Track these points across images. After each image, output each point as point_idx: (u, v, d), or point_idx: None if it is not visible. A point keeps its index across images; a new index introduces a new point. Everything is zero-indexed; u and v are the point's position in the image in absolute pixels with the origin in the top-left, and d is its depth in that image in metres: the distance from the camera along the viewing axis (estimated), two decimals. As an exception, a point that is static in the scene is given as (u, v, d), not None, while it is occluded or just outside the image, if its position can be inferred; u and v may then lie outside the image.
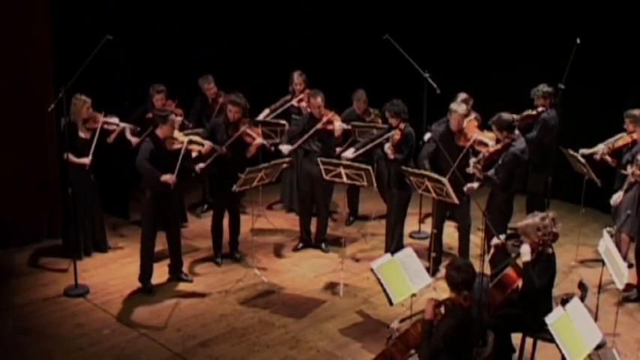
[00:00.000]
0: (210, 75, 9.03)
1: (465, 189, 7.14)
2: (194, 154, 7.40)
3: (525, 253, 5.66)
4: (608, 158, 7.86)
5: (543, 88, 8.37)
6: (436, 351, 5.01)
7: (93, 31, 8.01)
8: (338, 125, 8.05)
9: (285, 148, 8.08)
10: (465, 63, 10.39)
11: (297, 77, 9.11)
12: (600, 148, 7.90)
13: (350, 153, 7.91)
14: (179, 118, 7.91)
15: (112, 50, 7.86)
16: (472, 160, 7.16)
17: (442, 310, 5.21)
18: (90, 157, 7.56)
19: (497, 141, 7.26)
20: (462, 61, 10.41)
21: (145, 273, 7.32)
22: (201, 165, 7.52)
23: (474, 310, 5.08)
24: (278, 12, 10.80)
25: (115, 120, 7.88)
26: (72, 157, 7.37)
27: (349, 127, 8.32)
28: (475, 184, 7.25)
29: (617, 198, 7.56)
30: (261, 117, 8.91)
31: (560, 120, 8.33)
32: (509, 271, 5.76)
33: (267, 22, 10.74)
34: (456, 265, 5.12)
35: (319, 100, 8.02)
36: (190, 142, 7.21)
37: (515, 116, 8.23)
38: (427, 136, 8.30)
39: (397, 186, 7.83)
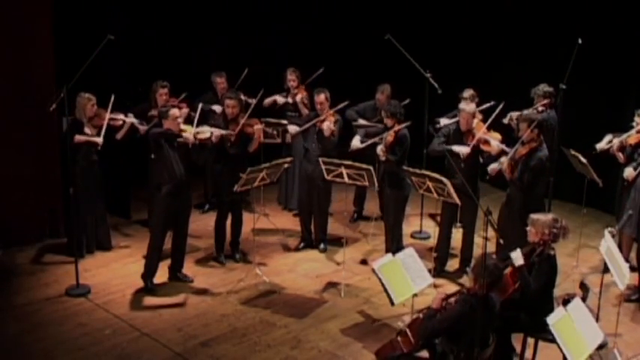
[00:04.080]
0: (223, 71, 9.07)
1: (490, 169, 7.13)
2: (207, 140, 7.39)
3: (517, 258, 5.69)
4: (620, 155, 7.85)
5: (544, 87, 8.35)
6: (437, 329, 5.11)
7: (94, 31, 8.02)
8: (326, 125, 7.94)
9: (292, 128, 8.14)
10: (466, 63, 10.39)
11: (290, 74, 9.15)
12: (614, 143, 7.83)
13: (358, 142, 7.88)
14: (185, 110, 7.92)
15: (114, 50, 7.86)
16: (504, 159, 7.08)
17: (454, 299, 5.28)
18: (101, 137, 7.62)
19: (522, 142, 7.10)
20: (463, 61, 10.41)
21: (150, 271, 7.32)
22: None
23: (489, 305, 5.16)
24: (279, 11, 10.80)
25: (120, 116, 7.90)
26: (81, 137, 7.52)
27: (334, 128, 8.02)
28: (497, 166, 7.15)
29: (629, 172, 7.55)
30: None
31: (562, 120, 8.32)
32: (510, 271, 5.77)
33: (269, 21, 10.74)
34: (489, 266, 5.18)
35: (322, 97, 8.02)
36: (197, 133, 7.19)
37: (513, 114, 8.24)
38: (443, 121, 8.24)
39: (391, 186, 7.82)
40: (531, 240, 5.87)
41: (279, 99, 9.24)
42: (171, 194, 7.14)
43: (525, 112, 8.15)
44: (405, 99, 8.48)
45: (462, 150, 7.37)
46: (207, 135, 7.29)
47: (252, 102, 8.00)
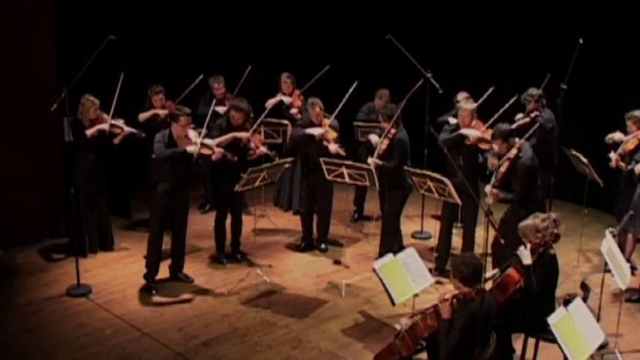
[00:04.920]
0: (221, 75, 9.00)
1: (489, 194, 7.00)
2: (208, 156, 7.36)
3: (525, 256, 5.66)
4: (622, 164, 7.84)
5: (532, 91, 8.31)
6: (457, 347, 5.06)
7: (95, 31, 8.02)
8: (332, 149, 7.86)
9: (318, 133, 7.92)
10: (467, 63, 10.39)
11: (284, 79, 9.12)
12: (613, 157, 7.81)
13: (377, 138, 7.83)
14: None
15: (114, 50, 7.86)
16: (487, 189, 7.00)
17: (454, 306, 5.26)
18: (110, 116, 7.69)
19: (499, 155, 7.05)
20: (463, 62, 10.42)
21: (151, 270, 7.32)
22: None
23: (485, 306, 5.14)
24: (280, 11, 10.80)
25: (120, 123, 7.89)
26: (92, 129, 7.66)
27: (342, 152, 7.94)
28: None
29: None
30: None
31: (562, 120, 8.33)
32: (511, 271, 5.76)
33: (269, 22, 10.74)
34: (462, 259, 5.21)
35: (317, 110, 7.97)
36: (203, 145, 7.17)
37: (512, 126, 8.23)
38: (452, 120, 8.26)
39: (391, 186, 7.81)
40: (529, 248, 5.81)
41: (286, 99, 9.17)
42: (167, 192, 7.14)
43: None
44: (405, 98, 8.50)
45: (472, 133, 7.39)
46: (210, 152, 7.27)
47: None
